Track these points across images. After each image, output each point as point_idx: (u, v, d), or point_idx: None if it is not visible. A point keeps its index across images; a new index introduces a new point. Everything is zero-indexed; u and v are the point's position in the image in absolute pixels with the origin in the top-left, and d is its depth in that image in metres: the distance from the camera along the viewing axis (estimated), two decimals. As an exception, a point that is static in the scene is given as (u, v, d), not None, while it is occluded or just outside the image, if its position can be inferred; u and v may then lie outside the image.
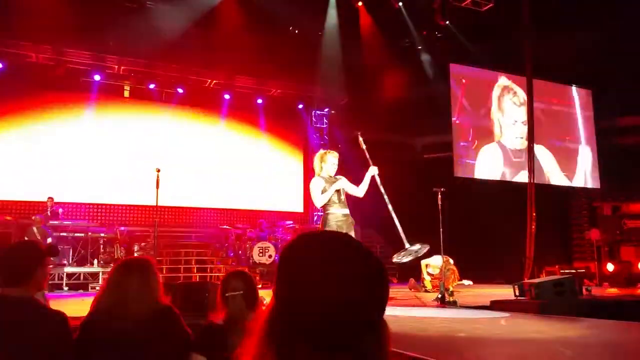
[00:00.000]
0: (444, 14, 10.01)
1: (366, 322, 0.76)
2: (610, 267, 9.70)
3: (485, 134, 11.21)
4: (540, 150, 11.50)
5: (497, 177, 11.15)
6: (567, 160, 11.94)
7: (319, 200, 4.85)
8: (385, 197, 4.97)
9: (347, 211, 4.94)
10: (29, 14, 8.65)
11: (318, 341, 0.73)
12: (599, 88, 11.71)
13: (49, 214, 9.31)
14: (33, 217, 8.80)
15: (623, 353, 3.22)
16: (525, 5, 7.85)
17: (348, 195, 4.97)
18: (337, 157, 5.01)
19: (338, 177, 4.93)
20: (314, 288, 0.74)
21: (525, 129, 11.47)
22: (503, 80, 11.53)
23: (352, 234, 4.75)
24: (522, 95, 11.59)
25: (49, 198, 9.53)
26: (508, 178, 11.22)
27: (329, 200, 4.86)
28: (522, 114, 11.48)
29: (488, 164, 11.09)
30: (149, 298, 1.97)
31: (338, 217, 4.84)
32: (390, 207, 5.02)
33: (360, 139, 5.25)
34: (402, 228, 5.14)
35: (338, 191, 4.86)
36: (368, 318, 0.76)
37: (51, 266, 7.72)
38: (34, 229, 8.51)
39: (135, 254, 9.70)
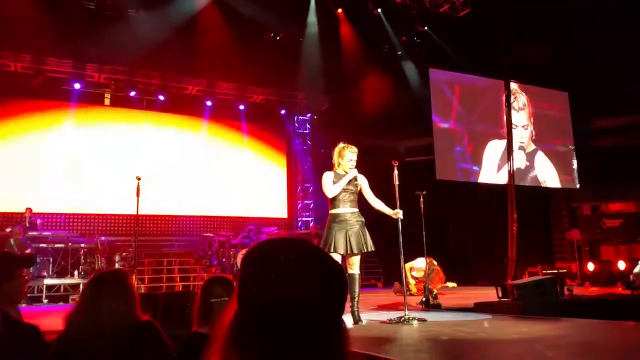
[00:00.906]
0: (422, 19, 10.14)
1: (326, 322, 0.78)
2: (590, 266, 9.85)
3: (481, 138, 11.27)
4: (540, 153, 11.66)
5: (496, 173, 11.15)
6: (558, 163, 12.10)
7: (329, 191, 4.59)
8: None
9: (355, 210, 4.64)
10: (6, 23, 8.52)
11: (280, 342, 0.75)
12: (575, 90, 11.94)
13: (27, 225, 9.14)
14: (9, 229, 8.61)
15: (601, 351, 3.26)
16: (501, 12, 7.98)
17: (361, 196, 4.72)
18: (355, 152, 4.73)
19: (352, 170, 4.66)
20: (274, 289, 0.76)
21: (525, 133, 11.65)
22: (512, 85, 11.63)
23: (360, 233, 4.54)
24: (522, 99, 11.74)
25: (27, 209, 9.36)
26: (501, 178, 11.31)
27: (336, 199, 4.61)
28: (522, 118, 11.64)
29: (491, 161, 11.12)
30: (124, 313, 1.89)
31: (341, 217, 4.56)
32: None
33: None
34: (385, 231, 5.19)
35: (346, 188, 4.59)
36: (328, 318, 0.78)
37: (27, 277, 7.57)
38: (12, 241, 8.33)
39: (117, 264, 9.57)
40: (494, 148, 11.28)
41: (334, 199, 4.62)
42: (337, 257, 4.44)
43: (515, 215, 8.16)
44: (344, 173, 4.67)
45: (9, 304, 1.94)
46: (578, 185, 12.22)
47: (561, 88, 12.30)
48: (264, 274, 0.78)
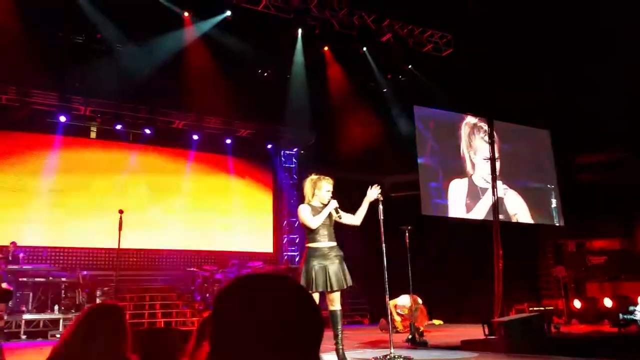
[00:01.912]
0: (406, 58, 10.40)
1: (300, 348, 0.76)
2: (577, 303, 9.82)
3: (455, 173, 11.44)
4: (507, 189, 11.79)
5: (466, 213, 11.30)
6: (532, 199, 12.24)
7: (313, 222, 4.37)
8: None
9: (333, 243, 4.47)
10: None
11: None
12: (557, 128, 12.19)
13: (10, 258, 8.93)
14: None
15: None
16: (482, 53, 8.21)
17: (338, 227, 4.59)
18: (332, 183, 4.58)
19: (330, 200, 4.50)
20: (247, 330, 0.74)
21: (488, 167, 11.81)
22: (471, 119, 11.89)
23: (340, 269, 4.38)
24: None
25: (12, 242, 9.19)
26: (476, 214, 11.40)
27: (314, 231, 4.41)
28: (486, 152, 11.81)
29: (456, 199, 11.27)
30: (115, 353, 1.79)
31: (319, 252, 4.38)
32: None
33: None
34: (369, 267, 5.12)
35: (324, 221, 4.43)
36: (304, 357, 0.77)
37: (2, 312, 7.35)
38: None
39: (98, 299, 9.34)
40: (459, 184, 11.43)
41: (312, 232, 4.44)
42: (317, 295, 4.31)
43: (501, 252, 8.14)
44: (320, 205, 4.51)
45: None
46: (560, 223, 12.32)
47: (542, 126, 12.58)
48: (236, 315, 0.77)
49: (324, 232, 4.44)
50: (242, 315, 0.76)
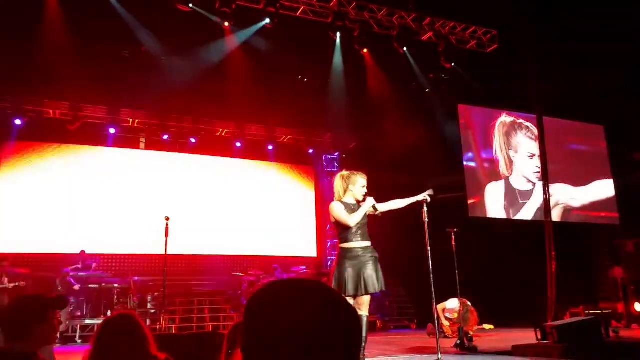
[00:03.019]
0: (448, 56, 10.17)
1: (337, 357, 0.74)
2: (638, 307, 9.31)
3: (492, 175, 11.12)
4: (557, 188, 11.34)
5: (506, 216, 10.94)
6: (585, 197, 11.73)
7: (351, 219, 4.10)
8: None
9: (367, 243, 4.20)
10: (46, 72, 9.00)
11: None
12: (612, 123, 11.64)
13: (80, 266, 9.38)
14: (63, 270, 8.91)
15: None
16: (530, 46, 7.92)
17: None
18: (366, 178, 4.34)
19: (367, 198, 4.26)
20: (280, 336, 0.73)
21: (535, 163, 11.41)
22: (507, 117, 11.51)
23: (374, 271, 4.11)
24: (535, 130, 11.56)
25: (81, 251, 9.66)
26: (523, 215, 11.02)
27: (347, 231, 4.15)
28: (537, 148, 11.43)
29: (494, 202, 10.93)
30: (138, 352, 1.89)
31: (354, 252, 4.12)
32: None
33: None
34: (415, 271, 5.01)
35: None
36: (338, 354, 0.74)
37: (62, 318, 7.68)
38: (58, 281, 8.62)
39: (149, 304, 9.63)
40: (496, 187, 11.04)
41: (345, 231, 4.17)
42: (350, 300, 4.09)
43: (554, 253, 7.83)
44: (353, 202, 4.26)
45: (41, 345, 1.95)
46: (616, 221, 11.75)
47: (596, 122, 12.04)
48: (268, 323, 0.75)
49: (358, 232, 4.17)
50: (273, 321, 0.74)
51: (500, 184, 11.08)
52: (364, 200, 4.26)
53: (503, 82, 10.14)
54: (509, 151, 11.34)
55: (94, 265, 9.64)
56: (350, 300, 4.08)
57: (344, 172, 4.42)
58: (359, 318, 0.81)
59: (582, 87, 10.00)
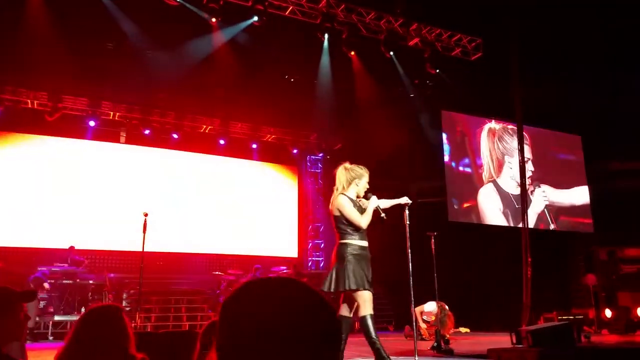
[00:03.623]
0: (434, 62, 10.29)
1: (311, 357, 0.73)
2: (608, 313, 9.55)
3: (480, 180, 11.29)
4: (536, 195, 11.57)
5: (496, 219, 11.12)
6: (562, 205, 11.98)
7: (363, 220, 4.00)
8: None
9: (366, 243, 4.13)
10: (24, 60, 8.80)
11: None
12: (589, 133, 11.92)
13: (69, 262, 9.20)
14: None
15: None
16: (513, 56, 8.06)
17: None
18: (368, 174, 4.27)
19: (369, 195, 4.16)
20: (255, 335, 0.71)
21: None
22: (495, 124, 11.73)
23: (370, 270, 4.06)
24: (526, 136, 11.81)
25: (70, 247, 9.48)
26: (505, 220, 11.20)
27: (351, 228, 4.04)
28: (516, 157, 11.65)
29: (489, 207, 11.10)
30: (116, 349, 1.83)
31: (355, 249, 4.03)
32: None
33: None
34: (394, 274, 5.04)
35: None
36: (313, 354, 0.73)
37: (31, 313, 7.52)
38: (31, 278, 8.45)
39: (124, 302, 9.49)
40: (488, 198, 11.23)
41: (350, 227, 4.05)
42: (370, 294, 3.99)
43: (530, 259, 7.97)
44: (355, 197, 4.17)
45: (7, 341, 1.86)
46: (591, 230, 12.02)
47: (574, 131, 12.31)
48: (242, 322, 0.73)
49: (363, 230, 4.08)
50: (248, 321, 0.73)
51: (490, 187, 11.25)
52: (365, 196, 4.20)
53: (486, 90, 10.30)
54: (505, 156, 11.53)
55: (85, 261, 9.48)
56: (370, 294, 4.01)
57: (348, 165, 4.28)
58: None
59: (562, 97, 10.23)
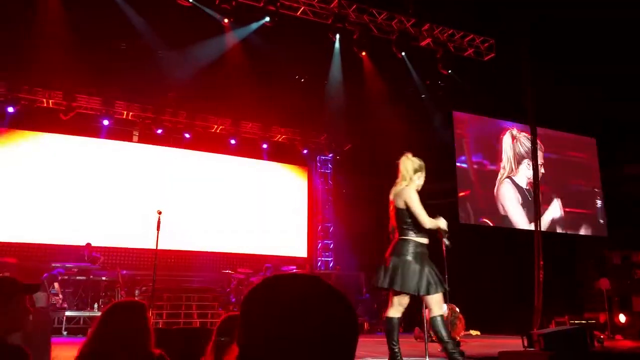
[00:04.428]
0: (446, 63, 10.23)
1: (333, 353, 0.73)
2: (622, 318, 9.44)
3: (494, 181, 11.24)
4: (553, 204, 11.50)
5: (515, 212, 11.07)
6: (575, 209, 11.87)
7: (429, 222, 3.86)
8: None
9: (427, 240, 4.02)
10: (40, 60, 8.92)
11: None
12: (604, 136, 11.79)
13: (86, 259, 9.31)
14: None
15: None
16: (525, 55, 8.00)
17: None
18: None
19: (437, 216, 4.06)
20: (276, 330, 0.72)
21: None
22: (514, 127, 11.69)
23: (428, 267, 3.90)
24: (526, 143, 11.75)
25: (87, 244, 9.58)
26: (524, 214, 11.15)
27: (416, 224, 3.89)
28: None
29: (505, 199, 11.05)
30: (138, 345, 1.86)
31: (417, 247, 3.89)
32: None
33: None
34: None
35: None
36: (334, 356, 0.74)
37: (40, 305, 7.61)
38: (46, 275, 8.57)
39: (136, 299, 9.57)
40: (507, 191, 11.16)
41: (415, 222, 3.90)
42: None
43: (542, 262, 7.90)
44: None
45: (11, 331, 1.88)
46: (604, 233, 11.89)
47: (588, 134, 12.18)
48: (264, 316, 0.74)
49: (418, 224, 3.92)
50: (270, 316, 0.74)
51: (508, 182, 11.19)
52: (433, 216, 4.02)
53: (499, 91, 10.22)
54: (523, 158, 11.50)
55: (101, 258, 9.59)
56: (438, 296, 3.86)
57: (412, 157, 4.15)
58: (355, 314, 0.80)
59: (576, 99, 10.12)
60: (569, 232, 11.63)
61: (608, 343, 7.61)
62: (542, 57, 8.72)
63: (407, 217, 3.91)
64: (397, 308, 4.05)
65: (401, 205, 3.93)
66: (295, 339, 0.71)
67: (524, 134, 11.65)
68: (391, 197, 4.06)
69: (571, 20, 8.85)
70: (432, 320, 3.87)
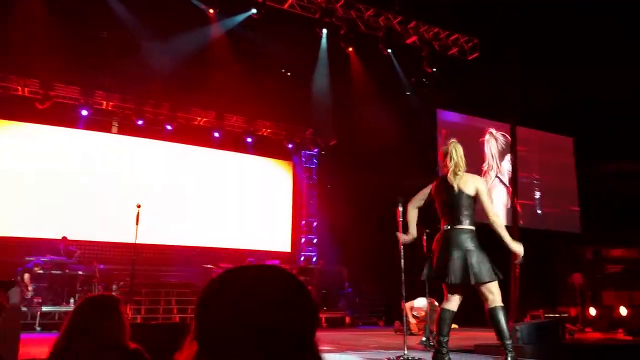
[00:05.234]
0: (431, 61, 10.33)
1: (291, 345, 0.73)
2: (592, 311, 9.74)
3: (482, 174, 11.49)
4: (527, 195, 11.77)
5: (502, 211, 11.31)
6: (550, 205, 12.15)
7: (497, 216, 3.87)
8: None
9: None
10: (16, 46, 8.67)
11: None
12: (581, 135, 12.08)
13: (62, 253, 9.11)
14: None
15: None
16: (509, 56, 8.14)
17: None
18: None
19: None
20: (232, 321, 0.72)
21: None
22: (493, 124, 11.91)
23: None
24: (501, 140, 11.99)
25: (63, 237, 9.37)
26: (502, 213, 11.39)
27: (471, 214, 3.86)
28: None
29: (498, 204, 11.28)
30: (112, 340, 1.82)
31: (475, 234, 3.87)
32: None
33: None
34: (386, 270, 5.07)
35: None
36: (292, 342, 0.73)
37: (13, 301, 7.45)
38: (20, 270, 8.38)
39: (113, 293, 9.44)
40: (493, 189, 11.39)
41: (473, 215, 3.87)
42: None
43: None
44: None
45: None
46: (578, 230, 12.23)
47: (566, 133, 12.48)
48: (221, 310, 0.73)
49: None
50: (227, 309, 0.72)
51: (496, 181, 11.41)
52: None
53: (481, 90, 10.37)
54: (503, 155, 11.71)
55: (78, 252, 9.41)
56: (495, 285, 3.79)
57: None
58: (315, 305, 0.79)
59: (555, 100, 10.35)
60: (544, 228, 11.91)
61: (579, 335, 7.86)
62: (523, 57, 8.88)
63: (471, 206, 3.86)
64: (455, 301, 4.01)
65: (471, 192, 3.84)
66: (251, 330, 0.71)
67: (501, 133, 11.88)
68: (454, 182, 3.86)
69: (550, 22, 9.04)
70: (495, 311, 3.78)
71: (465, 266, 3.71)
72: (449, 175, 3.87)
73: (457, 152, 3.92)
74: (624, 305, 9.41)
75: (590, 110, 10.67)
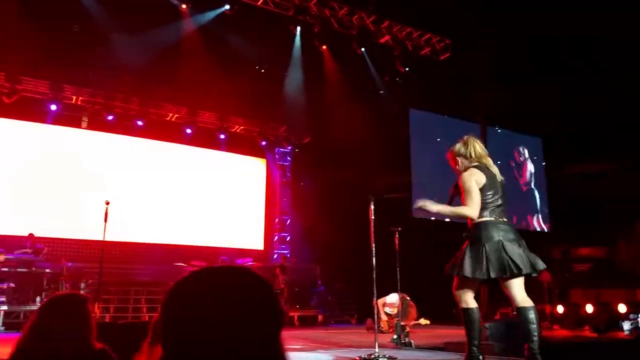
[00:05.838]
0: (403, 61, 10.43)
1: (256, 344, 0.73)
2: (560, 309, 9.94)
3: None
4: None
5: None
6: (520, 205, 12.37)
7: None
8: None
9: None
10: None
11: None
12: (549, 136, 12.33)
13: (28, 250, 8.85)
14: None
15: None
16: (479, 58, 8.27)
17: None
18: None
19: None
20: (196, 326, 0.71)
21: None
22: (463, 124, 12.02)
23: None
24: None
25: (30, 234, 9.13)
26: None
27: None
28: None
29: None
30: (78, 340, 1.78)
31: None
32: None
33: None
34: (358, 267, 5.09)
35: None
36: (257, 340, 0.73)
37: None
38: None
39: (82, 292, 9.25)
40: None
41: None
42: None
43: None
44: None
45: None
46: (546, 229, 12.48)
47: (535, 133, 12.71)
48: (186, 311, 0.73)
49: None
50: (192, 311, 0.72)
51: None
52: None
53: (452, 89, 10.51)
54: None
55: (45, 249, 9.16)
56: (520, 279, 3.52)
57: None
58: (280, 304, 0.80)
59: (524, 101, 10.54)
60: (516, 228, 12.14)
61: (546, 332, 8.00)
62: (494, 58, 9.04)
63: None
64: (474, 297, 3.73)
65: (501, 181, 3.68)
66: (219, 335, 0.71)
67: (473, 132, 12.04)
68: (497, 172, 3.75)
69: (521, 24, 9.19)
70: (526, 311, 3.48)
71: (502, 260, 3.46)
72: (488, 165, 3.72)
73: (480, 145, 3.82)
74: (590, 303, 9.63)
75: (559, 112, 10.89)
